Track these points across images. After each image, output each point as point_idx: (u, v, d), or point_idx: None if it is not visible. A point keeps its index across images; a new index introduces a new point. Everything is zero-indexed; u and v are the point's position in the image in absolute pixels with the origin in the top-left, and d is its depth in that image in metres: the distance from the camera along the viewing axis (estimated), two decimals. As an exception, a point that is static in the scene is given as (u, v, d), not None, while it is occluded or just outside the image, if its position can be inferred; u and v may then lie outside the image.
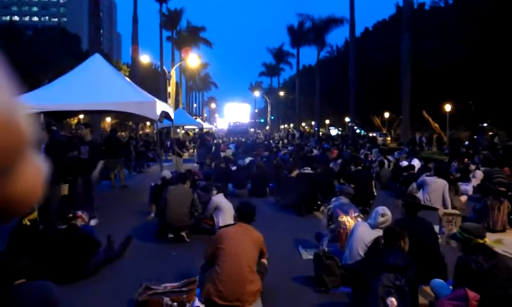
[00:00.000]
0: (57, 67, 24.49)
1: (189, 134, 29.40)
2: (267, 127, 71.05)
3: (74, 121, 40.34)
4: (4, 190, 0.49)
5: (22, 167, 0.51)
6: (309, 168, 10.12)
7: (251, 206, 4.62)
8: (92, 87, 9.15)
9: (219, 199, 7.17)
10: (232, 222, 5.27)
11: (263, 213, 8.80)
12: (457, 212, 7.14)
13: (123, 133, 31.27)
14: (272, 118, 75.20)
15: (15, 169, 0.49)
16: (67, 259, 4.81)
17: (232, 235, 4.24)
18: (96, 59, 10.50)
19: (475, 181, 10.67)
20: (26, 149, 0.50)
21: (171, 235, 6.53)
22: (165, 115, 11.07)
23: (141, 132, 32.91)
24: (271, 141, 32.48)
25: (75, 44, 39.84)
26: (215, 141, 28.00)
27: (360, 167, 10.02)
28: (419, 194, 8.66)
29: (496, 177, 9.10)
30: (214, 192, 7.59)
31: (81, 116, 34.42)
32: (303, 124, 66.24)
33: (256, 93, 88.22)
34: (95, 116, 22.05)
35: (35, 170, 0.54)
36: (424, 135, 28.56)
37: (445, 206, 8.39)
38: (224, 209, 6.94)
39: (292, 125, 63.96)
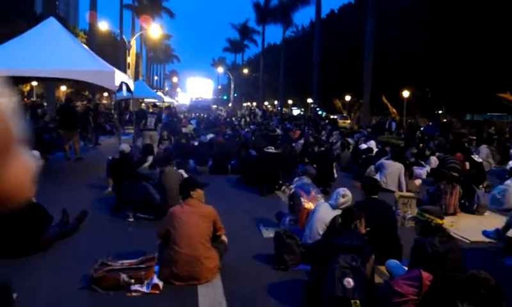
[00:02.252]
0: (7, 29, 22.93)
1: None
2: (230, 104, 70.57)
3: (26, 88, 38.28)
4: None
5: (11, 165, 0.49)
6: (272, 147, 10.15)
7: (189, 181, 4.69)
8: (46, 53, 8.68)
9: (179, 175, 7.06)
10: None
11: (224, 191, 8.81)
12: (412, 194, 7.42)
13: (78, 103, 30.01)
14: (236, 95, 74.69)
15: (3, 166, 0.48)
16: (19, 232, 4.58)
17: (180, 216, 4.19)
18: (51, 23, 9.95)
19: (429, 166, 11.13)
20: (14, 146, 0.49)
21: (131, 219, 6.28)
22: (126, 87, 10.70)
23: (102, 102, 31.58)
24: (233, 119, 32.33)
25: (28, 5, 37.41)
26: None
27: (322, 149, 10.17)
28: (376, 177, 8.91)
29: (449, 162, 9.52)
30: (174, 168, 7.45)
31: (34, 83, 32.70)
32: (266, 103, 66.25)
33: (220, 69, 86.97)
34: (49, 84, 21.04)
35: (24, 166, 0.53)
36: (394, 119, 29.20)
37: (400, 189, 8.69)
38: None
39: (255, 104, 63.86)
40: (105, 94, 39.64)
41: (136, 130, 13.40)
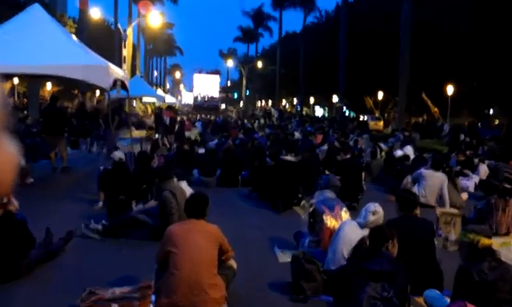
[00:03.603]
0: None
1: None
2: (241, 104, 70.86)
3: (7, 86, 39.01)
4: None
5: None
6: (291, 155, 10.16)
7: (199, 199, 4.48)
8: (29, 46, 8.85)
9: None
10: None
11: (233, 206, 8.84)
12: (456, 211, 7.33)
13: (69, 104, 30.45)
14: (248, 92, 74.96)
15: None
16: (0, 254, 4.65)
17: (183, 236, 4.14)
18: (36, 11, 10.15)
19: (478, 177, 10.98)
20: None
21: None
22: (120, 84, 10.85)
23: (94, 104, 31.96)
24: (246, 121, 32.44)
25: (10, -9, 38.28)
26: (178, 118, 27.64)
27: (348, 156, 10.13)
28: (414, 189, 8.82)
29: (502, 172, 9.38)
30: (175, 180, 7.47)
31: (15, 81, 33.28)
32: (284, 102, 66.33)
33: (229, 63, 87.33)
34: (33, 81, 21.43)
35: (6, 156, 0.58)
36: (445, 122, 28.65)
37: (441, 204, 8.58)
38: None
39: (270, 102, 64.00)
40: (97, 93, 40.15)
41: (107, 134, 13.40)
